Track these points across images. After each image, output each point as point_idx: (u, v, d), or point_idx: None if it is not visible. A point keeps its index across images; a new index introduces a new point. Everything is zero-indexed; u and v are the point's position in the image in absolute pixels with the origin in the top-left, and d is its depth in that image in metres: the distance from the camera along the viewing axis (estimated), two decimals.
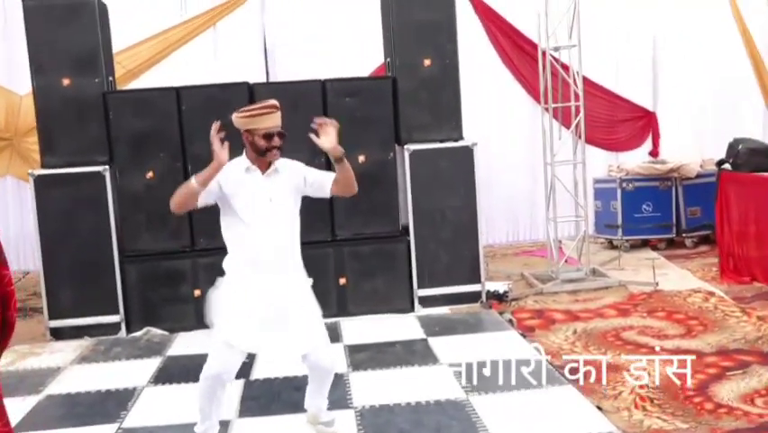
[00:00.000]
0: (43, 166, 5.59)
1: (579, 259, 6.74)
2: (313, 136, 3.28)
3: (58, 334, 5.60)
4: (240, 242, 3.36)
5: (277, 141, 3.32)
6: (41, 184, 5.51)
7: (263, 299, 3.29)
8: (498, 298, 6.04)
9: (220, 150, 3.16)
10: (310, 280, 3.52)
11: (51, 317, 5.60)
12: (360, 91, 5.71)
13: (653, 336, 4.93)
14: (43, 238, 5.53)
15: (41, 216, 5.52)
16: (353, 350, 4.90)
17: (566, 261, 6.76)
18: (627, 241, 7.84)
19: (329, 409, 3.70)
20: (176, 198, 3.29)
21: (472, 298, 5.94)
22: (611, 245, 8.00)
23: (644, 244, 7.92)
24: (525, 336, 4.99)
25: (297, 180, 3.42)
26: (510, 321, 5.37)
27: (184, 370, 4.66)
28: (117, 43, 6.65)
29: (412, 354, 4.79)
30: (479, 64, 8.00)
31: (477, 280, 5.95)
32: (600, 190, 8.15)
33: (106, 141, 5.57)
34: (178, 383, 4.45)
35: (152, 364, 4.82)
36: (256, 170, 3.36)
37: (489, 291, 6.06)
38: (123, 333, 5.63)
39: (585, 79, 7.42)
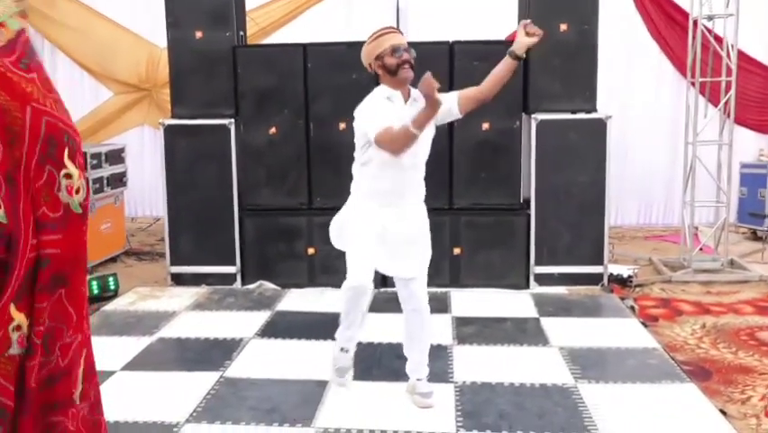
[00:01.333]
0: (173, 116, 5.75)
1: (716, 248, 6.21)
2: (523, 30, 3.27)
3: (178, 279, 5.81)
4: (378, 173, 3.30)
5: (406, 55, 3.25)
6: (170, 134, 5.68)
7: (388, 227, 3.33)
8: (622, 282, 5.68)
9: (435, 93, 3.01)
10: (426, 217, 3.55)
11: (173, 263, 5.81)
12: (489, 55, 5.33)
13: None
14: (169, 187, 5.71)
15: (169, 165, 5.70)
16: (461, 322, 4.75)
17: (701, 249, 6.26)
18: None
19: (429, 380, 3.60)
20: (397, 145, 3.13)
21: (593, 280, 5.62)
22: (755, 236, 7.35)
23: None
24: (646, 326, 4.64)
25: None
26: (632, 308, 5.02)
27: (290, 325, 4.70)
28: (252, 1, 6.74)
29: (522, 332, 4.58)
30: (621, 31, 7.50)
31: (600, 261, 5.61)
32: (747, 176, 7.49)
33: (233, 94, 5.65)
34: (283, 339, 4.48)
35: (261, 318, 4.88)
36: (399, 99, 3.31)
37: (611, 274, 5.70)
38: (238, 284, 5.75)
39: (740, 53, 6.80)
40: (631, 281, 5.67)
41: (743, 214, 7.56)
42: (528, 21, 3.31)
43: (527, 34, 3.25)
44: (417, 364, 3.58)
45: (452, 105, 3.35)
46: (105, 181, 6.37)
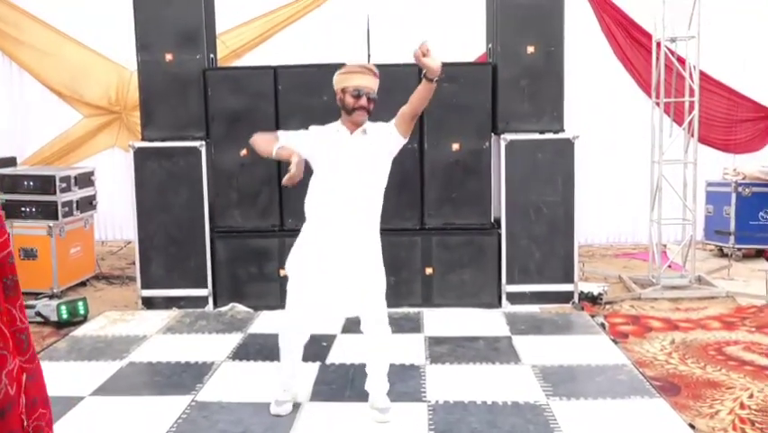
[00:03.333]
0: (143, 139, 5.72)
1: (683, 265, 6.31)
2: (418, 56, 3.25)
3: (149, 303, 5.75)
4: (319, 197, 3.48)
5: (365, 101, 3.41)
6: (141, 156, 5.65)
7: (330, 253, 3.42)
8: (592, 300, 5.75)
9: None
10: (376, 246, 3.56)
11: (144, 287, 5.75)
12: (457, 77, 5.51)
13: (761, 353, 4.53)
14: (140, 209, 5.68)
15: (139, 187, 5.66)
16: (433, 342, 4.76)
17: (669, 266, 6.36)
18: (740, 249, 7.31)
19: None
20: (258, 139, 3.55)
21: (564, 298, 5.67)
22: (721, 253, 7.49)
23: (759, 254, 7.35)
24: (616, 342, 4.69)
25: (384, 140, 3.46)
26: (602, 325, 5.07)
27: (262, 348, 4.66)
28: (223, 23, 6.75)
29: (494, 351, 4.60)
30: (586, 53, 7.65)
31: (570, 279, 5.67)
32: (713, 194, 7.64)
33: (204, 117, 5.64)
34: (255, 361, 4.44)
35: (233, 340, 4.85)
36: (345, 131, 3.47)
37: (582, 292, 5.76)
38: (210, 307, 5.71)
39: (703, 74, 6.96)
40: (601, 299, 5.74)
41: (709, 231, 7.70)
42: (420, 45, 3.28)
43: (423, 55, 3.26)
44: (375, 382, 3.61)
45: (391, 137, 3.45)
46: (75, 205, 6.31)
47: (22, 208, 6.08)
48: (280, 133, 3.59)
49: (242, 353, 4.61)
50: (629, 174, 7.92)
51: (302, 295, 3.48)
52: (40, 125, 8.09)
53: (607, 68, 7.88)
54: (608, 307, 5.67)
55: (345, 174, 3.42)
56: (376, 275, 3.52)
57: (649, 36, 6.44)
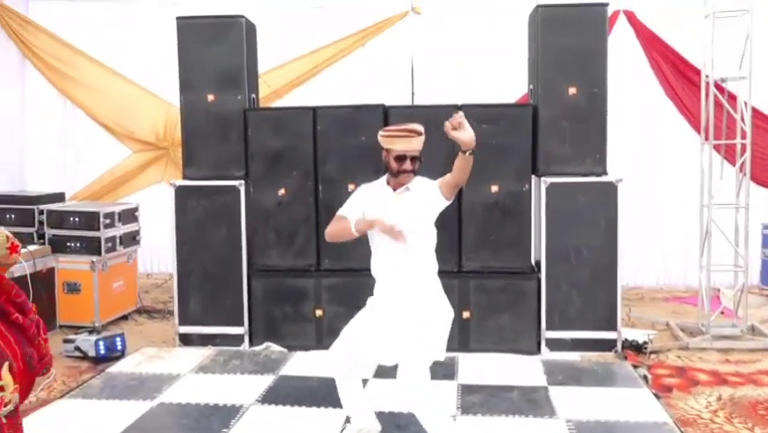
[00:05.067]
0: (184, 177, 5.80)
1: (735, 313, 6.04)
2: (448, 129, 3.25)
3: (186, 339, 5.78)
4: (375, 260, 3.57)
5: (408, 165, 3.46)
6: (181, 194, 5.72)
7: (384, 314, 3.49)
8: (636, 348, 5.52)
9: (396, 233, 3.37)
10: (445, 309, 3.61)
11: (181, 323, 5.79)
12: (497, 118, 5.44)
13: None
14: (179, 246, 5.73)
15: (179, 225, 5.73)
16: (466, 390, 4.63)
17: (722, 312, 6.09)
18: None
19: None
20: (332, 230, 3.57)
21: (606, 345, 5.47)
22: None
23: None
24: (659, 397, 4.48)
25: (428, 197, 3.48)
26: (645, 377, 4.86)
27: (293, 391, 4.62)
28: (265, 63, 6.84)
29: (529, 402, 4.44)
30: (635, 91, 7.51)
31: (613, 327, 5.47)
32: None
33: (244, 156, 5.69)
34: (284, 405, 4.39)
35: (264, 382, 4.81)
36: (389, 189, 3.55)
37: (625, 340, 5.55)
38: (246, 345, 5.70)
39: (758, 112, 6.73)
40: (646, 348, 5.51)
41: (766, 276, 7.38)
42: (452, 118, 3.28)
43: (454, 128, 3.25)
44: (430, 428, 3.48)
45: (433, 196, 3.47)
46: (118, 240, 6.42)
47: (68, 243, 6.21)
48: (343, 211, 3.60)
49: (271, 396, 4.56)
50: (680, 214, 7.65)
51: (350, 338, 3.57)
52: (91, 161, 8.29)
53: (657, 106, 7.68)
54: (652, 356, 5.44)
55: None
56: (427, 336, 3.49)
57: (699, 73, 6.24)
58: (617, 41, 7.70)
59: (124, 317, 6.62)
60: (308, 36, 7.84)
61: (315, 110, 5.66)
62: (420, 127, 3.48)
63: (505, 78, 7.23)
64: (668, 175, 7.75)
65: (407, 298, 3.48)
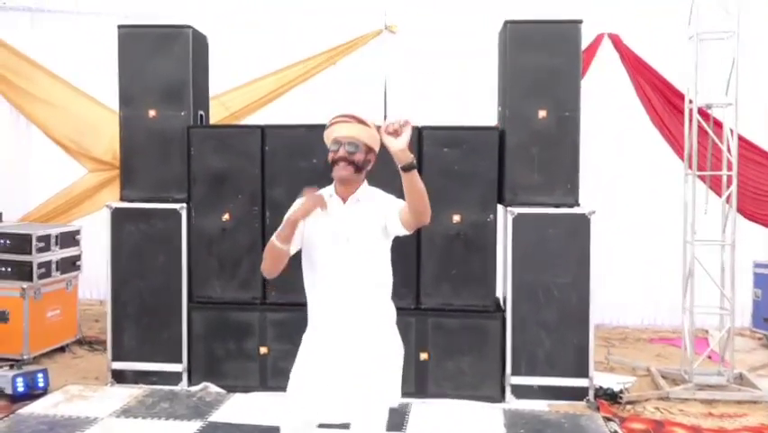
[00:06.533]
0: (122, 199, 5.36)
1: (722, 359, 5.53)
2: (383, 134, 2.55)
3: (119, 376, 5.30)
4: (311, 289, 2.90)
5: (343, 152, 2.78)
6: (118, 217, 5.28)
7: (327, 357, 2.84)
8: (611, 397, 5.03)
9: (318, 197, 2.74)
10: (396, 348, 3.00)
11: (115, 358, 5.31)
12: (460, 142, 5.00)
13: None
14: (114, 274, 5.29)
15: (115, 250, 5.28)
16: None
17: (709, 356, 5.59)
18: None
19: None
20: (265, 263, 2.81)
21: (577, 394, 4.98)
22: None
23: None
24: None
25: (381, 213, 2.82)
26: None
27: None
28: (227, 82, 6.44)
29: None
30: (619, 118, 7.10)
31: (584, 373, 4.98)
32: (762, 276, 6.83)
33: (186, 177, 5.24)
34: None
35: (189, 430, 4.30)
36: (337, 199, 2.86)
37: (599, 388, 5.06)
38: (184, 384, 5.22)
39: (748, 143, 6.30)
40: (621, 397, 5.01)
41: (758, 318, 6.89)
42: (391, 122, 2.56)
43: (389, 133, 2.54)
44: None
45: (395, 215, 2.77)
46: (54, 265, 5.94)
47: None
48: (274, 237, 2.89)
49: None
50: (668, 249, 7.13)
51: (296, 402, 2.89)
52: (43, 180, 7.86)
53: (642, 134, 7.23)
54: (628, 407, 4.94)
55: (338, 256, 2.82)
56: (379, 386, 2.89)
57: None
58: (601, 66, 7.31)
59: (61, 349, 6.13)
60: (276, 54, 7.43)
61: (263, 129, 5.22)
62: (362, 115, 2.86)
63: (482, 101, 6.81)
64: (654, 207, 7.27)
65: (350, 336, 2.85)
